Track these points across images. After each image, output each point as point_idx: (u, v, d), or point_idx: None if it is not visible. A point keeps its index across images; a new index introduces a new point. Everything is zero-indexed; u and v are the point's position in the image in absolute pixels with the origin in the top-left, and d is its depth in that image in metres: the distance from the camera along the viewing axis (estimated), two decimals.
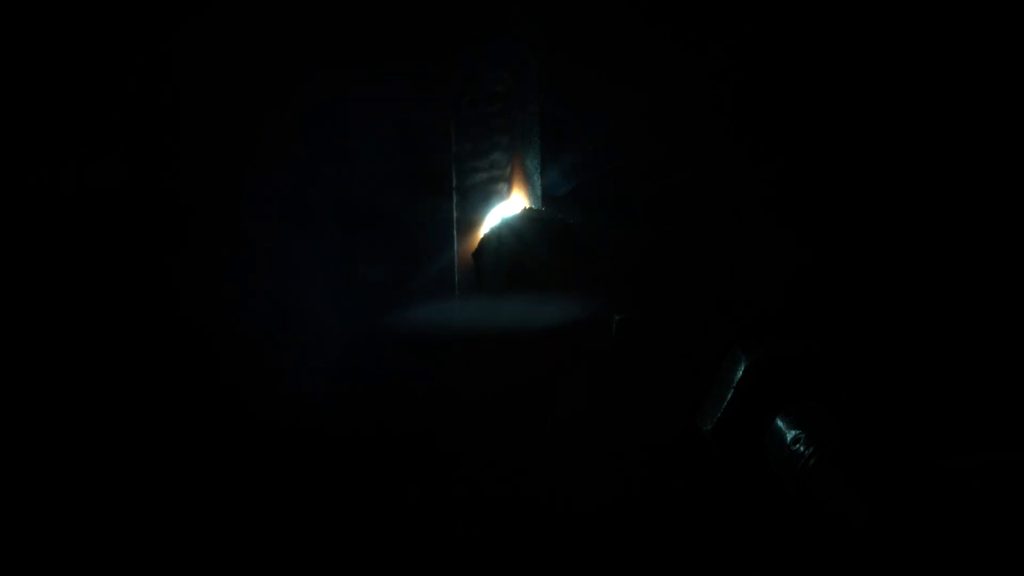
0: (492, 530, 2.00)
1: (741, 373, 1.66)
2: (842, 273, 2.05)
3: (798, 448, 1.52)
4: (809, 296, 2.04)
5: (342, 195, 2.03)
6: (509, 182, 2.06)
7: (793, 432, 1.56)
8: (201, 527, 1.96)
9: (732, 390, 1.66)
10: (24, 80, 1.91)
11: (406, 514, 2.01)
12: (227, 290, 1.99)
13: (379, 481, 2.02)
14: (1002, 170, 2.05)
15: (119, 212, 1.96)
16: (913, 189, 2.06)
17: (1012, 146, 2.05)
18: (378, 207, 2.04)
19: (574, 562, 1.97)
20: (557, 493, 1.98)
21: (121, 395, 1.96)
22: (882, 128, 2.06)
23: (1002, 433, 1.94)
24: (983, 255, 2.06)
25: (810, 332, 1.99)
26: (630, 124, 2.06)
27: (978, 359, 2.04)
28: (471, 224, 2.06)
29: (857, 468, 1.46)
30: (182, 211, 1.98)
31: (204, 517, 1.97)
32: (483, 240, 2.02)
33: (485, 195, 2.06)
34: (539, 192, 2.09)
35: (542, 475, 1.99)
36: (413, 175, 2.05)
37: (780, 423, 1.59)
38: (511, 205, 2.08)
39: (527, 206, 2.06)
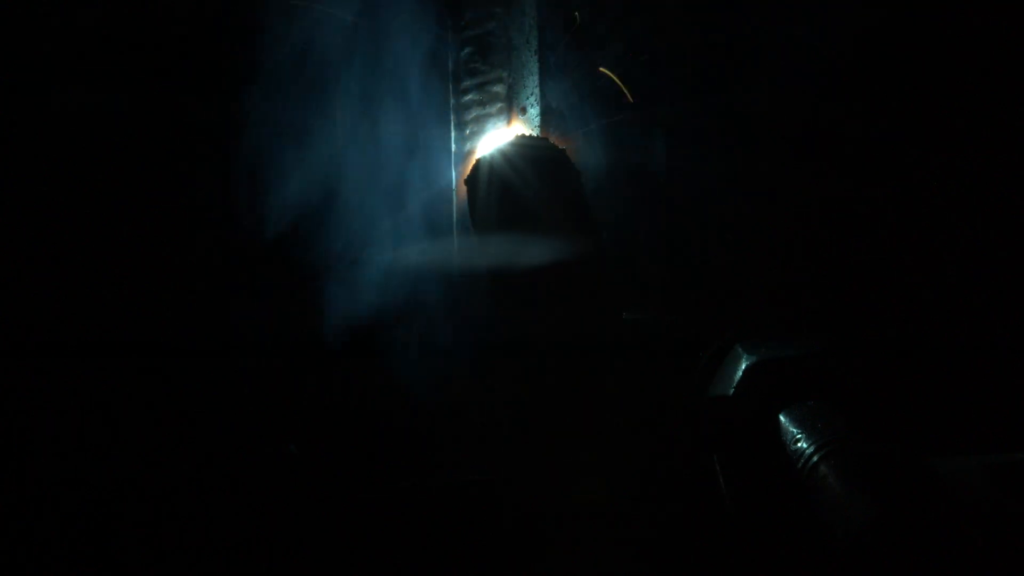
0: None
1: (742, 372, 1.66)
2: (843, 273, 2.05)
3: (800, 447, 1.52)
4: (810, 296, 2.03)
5: None
6: (508, 111, 2.01)
7: (794, 431, 1.56)
8: None
9: (733, 389, 1.66)
10: None
11: None
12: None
13: None
14: (1002, 172, 2.06)
15: None
16: (913, 188, 2.06)
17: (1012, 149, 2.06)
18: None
19: (566, 557, 1.97)
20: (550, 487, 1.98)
21: None
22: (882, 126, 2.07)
23: (1002, 433, 1.94)
24: (982, 256, 2.06)
25: (811, 332, 1.99)
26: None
27: (977, 359, 2.04)
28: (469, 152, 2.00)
29: (859, 467, 1.45)
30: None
31: None
32: (475, 165, 1.95)
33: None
34: (536, 119, 2.03)
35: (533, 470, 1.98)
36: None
37: (782, 422, 1.59)
38: (506, 132, 2.00)
39: (522, 133, 1.99)
